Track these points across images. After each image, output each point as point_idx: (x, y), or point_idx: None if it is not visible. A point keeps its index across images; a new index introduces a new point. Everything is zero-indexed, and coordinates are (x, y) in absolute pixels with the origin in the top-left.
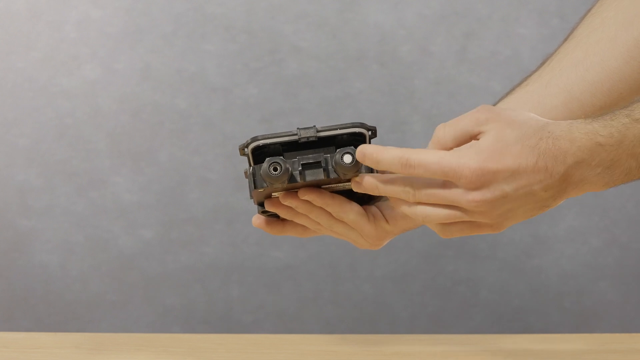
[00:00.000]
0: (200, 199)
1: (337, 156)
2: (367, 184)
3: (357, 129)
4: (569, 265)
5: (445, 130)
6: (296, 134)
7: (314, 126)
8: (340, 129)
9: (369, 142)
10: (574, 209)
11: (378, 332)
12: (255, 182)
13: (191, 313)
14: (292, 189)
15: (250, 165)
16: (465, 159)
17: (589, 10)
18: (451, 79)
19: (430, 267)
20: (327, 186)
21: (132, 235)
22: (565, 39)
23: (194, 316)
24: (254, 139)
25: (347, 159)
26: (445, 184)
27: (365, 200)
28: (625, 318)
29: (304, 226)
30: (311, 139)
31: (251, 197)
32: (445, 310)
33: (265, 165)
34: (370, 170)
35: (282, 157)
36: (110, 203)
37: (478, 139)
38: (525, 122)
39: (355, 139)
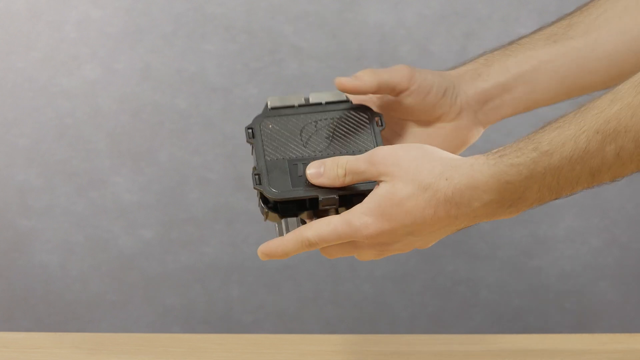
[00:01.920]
0: (200, 199)
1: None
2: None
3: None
4: (569, 265)
5: (346, 178)
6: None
7: (337, 196)
8: (362, 192)
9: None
10: (573, 209)
11: (378, 332)
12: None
13: (191, 313)
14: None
15: (260, 202)
16: (358, 224)
17: None
18: None
19: (430, 267)
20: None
21: (132, 235)
22: None
23: (194, 316)
24: (274, 194)
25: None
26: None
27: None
28: (625, 318)
29: None
30: (332, 207)
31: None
32: (445, 310)
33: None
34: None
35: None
36: (110, 203)
37: (377, 186)
38: (419, 172)
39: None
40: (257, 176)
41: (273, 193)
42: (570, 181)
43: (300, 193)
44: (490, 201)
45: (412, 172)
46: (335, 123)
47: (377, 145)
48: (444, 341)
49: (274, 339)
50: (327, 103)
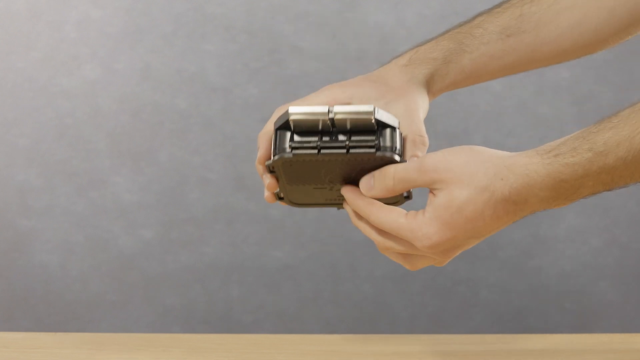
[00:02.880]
0: (200, 199)
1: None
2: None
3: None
4: (569, 265)
5: (397, 186)
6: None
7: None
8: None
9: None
10: (574, 209)
11: (378, 332)
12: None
13: (191, 313)
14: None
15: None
16: (419, 234)
17: None
18: None
19: (430, 267)
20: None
21: (132, 235)
22: None
23: (194, 316)
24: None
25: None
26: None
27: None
28: (625, 318)
29: None
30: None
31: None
32: (445, 310)
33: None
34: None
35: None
36: (110, 203)
37: (433, 194)
38: (474, 175)
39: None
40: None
41: (295, 204)
42: (625, 178)
43: (321, 203)
44: (546, 197)
45: (466, 176)
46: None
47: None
48: (444, 341)
49: (274, 339)
50: (351, 146)
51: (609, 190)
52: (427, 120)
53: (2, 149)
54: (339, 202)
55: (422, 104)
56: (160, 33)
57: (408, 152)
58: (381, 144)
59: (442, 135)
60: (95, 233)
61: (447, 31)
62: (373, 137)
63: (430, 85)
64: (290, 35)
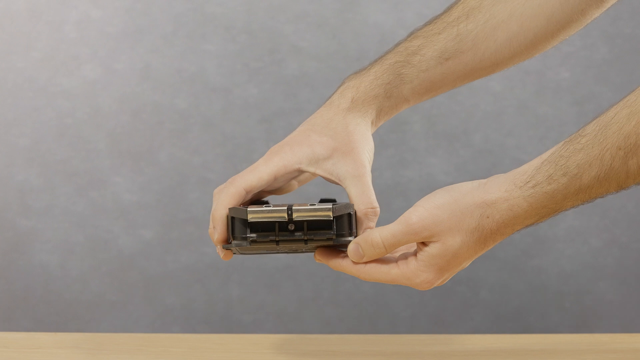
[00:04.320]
0: (200, 199)
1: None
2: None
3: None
4: (569, 265)
5: (389, 248)
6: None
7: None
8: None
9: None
10: (574, 209)
11: (378, 332)
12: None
13: (191, 313)
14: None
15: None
16: (418, 281)
17: None
18: None
19: None
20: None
21: (132, 235)
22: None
23: (194, 316)
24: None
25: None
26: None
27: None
28: (625, 318)
29: None
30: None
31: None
32: (445, 310)
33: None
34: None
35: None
36: (110, 203)
37: (427, 245)
38: (461, 221)
39: None
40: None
41: (244, 251)
42: (600, 193)
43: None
44: (529, 222)
45: (455, 223)
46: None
47: None
48: (444, 341)
49: (274, 339)
50: (309, 238)
51: (589, 202)
52: (428, 120)
53: (2, 149)
54: (300, 252)
55: (368, 154)
56: (160, 33)
57: (362, 226)
58: (337, 232)
59: (442, 135)
60: (95, 233)
61: (384, 56)
62: (330, 231)
63: (375, 122)
64: (290, 35)
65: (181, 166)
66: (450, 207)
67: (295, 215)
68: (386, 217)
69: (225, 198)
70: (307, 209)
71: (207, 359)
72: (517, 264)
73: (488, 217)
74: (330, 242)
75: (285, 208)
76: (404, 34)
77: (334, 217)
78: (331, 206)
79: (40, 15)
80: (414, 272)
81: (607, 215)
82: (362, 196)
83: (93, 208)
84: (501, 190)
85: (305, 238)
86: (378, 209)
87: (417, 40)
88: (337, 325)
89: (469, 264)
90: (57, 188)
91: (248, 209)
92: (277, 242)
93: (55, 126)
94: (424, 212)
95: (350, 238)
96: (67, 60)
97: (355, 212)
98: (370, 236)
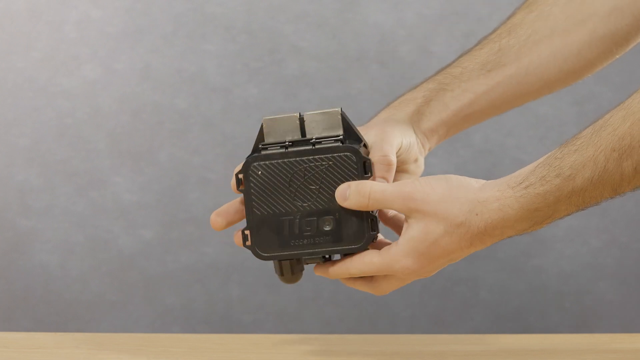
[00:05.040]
0: (200, 199)
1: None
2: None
3: (361, 250)
4: (569, 265)
5: (373, 205)
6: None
7: (320, 258)
8: (345, 251)
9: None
10: None
11: (378, 332)
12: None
13: (191, 313)
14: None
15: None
16: (398, 267)
17: None
18: None
19: None
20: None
21: (132, 235)
22: (535, 10)
23: (194, 316)
24: (261, 256)
25: None
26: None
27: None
28: (625, 318)
29: None
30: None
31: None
32: (445, 310)
33: (281, 278)
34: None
35: (290, 270)
36: (110, 203)
37: (408, 223)
38: (449, 210)
39: None
40: (245, 234)
41: (260, 255)
42: (595, 197)
43: (285, 255)
44: (521, 228)
45: (442, 211)
46: (323, 172)
47: None
48: (444, 341)
49: (274, 339)
50: (317, 140)
51: (583, 209)
52: None
53: (2, 149)
54: (307, 250)
55: (397, 133)
56: (160, 33)
57: (376, 174)
58: (346, 140)
59: None
60: (95, 233)
61: (431, 76)
62: (339, 132)
63: (416, 123)
64: (290, 35)
65: (181, 166)
66: (443, 192)
67: (305, 115)
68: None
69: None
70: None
71: (207, 359)
72: (517, 264)
73: (477, 215)
74: (338, 144)
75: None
76: (404, 34)
77: (342, 116)
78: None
79: (40, 15)
80: (393, 258)
81: (607, 215)
82: (379, 150)
83: (93, 208)
84: (494, 190)
85: (315, 140)
86: (391, 160)
87: (460, 58)
88: (337, 325)
89: (452, 261)
90: (57, 188)
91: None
92: (286, 148)
93: (55, 126)
94: (418, 185)
95: (360, 148)
96: (67, 60)
97: (368, 152)
98: (363, 184)
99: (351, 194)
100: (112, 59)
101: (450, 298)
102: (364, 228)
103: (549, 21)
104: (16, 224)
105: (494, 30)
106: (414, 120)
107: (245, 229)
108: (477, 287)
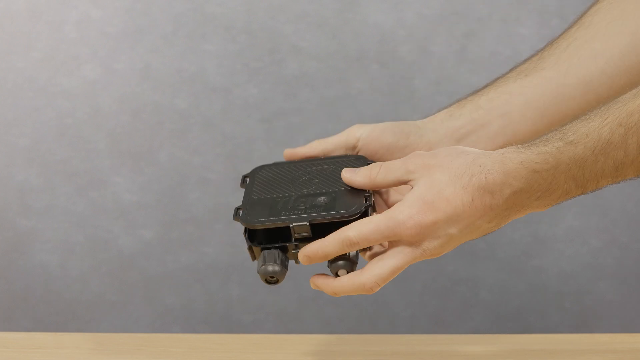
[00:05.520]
0: (200, 199)
1: (339, 267)
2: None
3: (353, 216)
4: (569, 265)
5: (380, 172)
6: (290, 226)
7: (307, 223)
8: (334, 217)
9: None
10: (573, 209)
11: (378, 332)
12: (252, 256)
13: (191, 313)
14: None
15: (246, 237)
16: (401, 218)
17: None
18: (451, 79)
19: (430, 267)
20: None
21: (132, 235)
22: (580, 23)
23: (194, 316)
24: (248, 224)
25: (342, 273)
26: (394, 253)
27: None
28: (625, 318)
29: None
30: (305, 235)
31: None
32: (445, 310)
33: (261, 270)
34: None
35: (277, 261)
36: (110, 203)
37: (411, 186)
38: (453, 161)
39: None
40: (238, 210)
41: (247, 220)
42: (595, 174)
43: (273, 222)
44: (520, 190)
45: (447, 162)
46: (330, 170)
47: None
48: (444, 341)
49: (274, 339)
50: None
51: (582, 193)
52: None
53: (2, 149)
54: (297, 217)
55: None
56: (160, 33)
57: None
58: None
59: None
60: (95, 233)
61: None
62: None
63: (444, 122)
64: (290, 35)
65: (181, 166)
66: (448, 150)
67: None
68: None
69: None
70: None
71: (207, 359)
72: (517, 264)
73: (480, 166)
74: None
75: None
76: (404, 34)
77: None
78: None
79: (40, 15)
80: (399, 209)
81: (607, 215)
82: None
83: (93, 208)
84: (500, 149)
85: (322, 160)
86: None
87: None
88: (337, 325)
89: (454, 236)
90: (57, 188)
91: None
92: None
93: (55, 126)
94: (423, 150)
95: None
96: (67, 60)
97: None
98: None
99: (361, 170)
100: (112, 59)
101: (450, 298)
102: (358, 200)
103: (590, 28)
104: (16, 224)
105: (541, 48)
106: (435, 120)
107: (239, 207)
108: (477, 287)
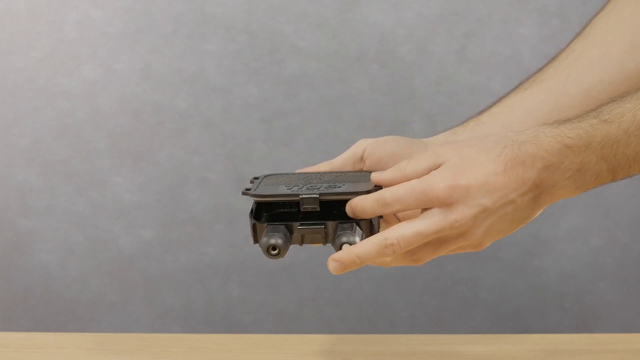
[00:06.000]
0: (200, 199)
1: (343, 239)
2: (347, 261)
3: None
4: (569, 265)
5: (409, 164)
6: (298, 200)
7: (317, 195)
8: (344, 194)
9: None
10: (574, 209)
11: (378, 332)
12: (255, 238)
13: (191, 313)
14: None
15: (251, 215)
16: (434, 180)
17: (603, 7)
18: (451, 79)
19: (430, 267)
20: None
21: (132, 235)
22: (579, 35)
23: (194, 316)
24: (256, 196)
25: (353, 241)
26: (423, 216)
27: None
28: (625, 318)
29: None
30: (315, 208)
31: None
32: (445, 310)
33: (264, 241)
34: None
35: (281, 234)
36: (110, 203)
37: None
38: (483, 140)
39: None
40: (247, 190)
41: (257, 195)
42: (627, 157)
43: (282, 195)
44: (552, 164)
45: (476, 141)
46: (337, 175)
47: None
48: (444, 341)
49: (274, 339)
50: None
51: (612, 179)
52: (428, 120)
53: (2, 149)
54: (306, 191)
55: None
56: (160, 33)
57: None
58: None
59: None
60: (95, 233)
61: None
62: None
63: (447, 137)
64: (290, 35)
65: (181, 166)
66: (476, 136)
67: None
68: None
69: None
70: None
71: (207, 359)
72: (517, 264)
73: (512, 140)
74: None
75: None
76: (404, 34)
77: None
78: None
79: (40, 15)
80: (432, 174)
81: (608, 215)
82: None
83: (93, 208)
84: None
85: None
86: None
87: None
88: (337, 325)
89: (489, 219)
90: (57, 188)
91: None
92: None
93: (55, 126)
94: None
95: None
96: (67, 60)
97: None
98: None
99: (389, 171)
100: (112, 59)
101: (450, 298)
102: (367, 184)
103: (588, 38)
104: (16, 224)
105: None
106: (439, 138)
107: (247, 188)
108: (477, 287)
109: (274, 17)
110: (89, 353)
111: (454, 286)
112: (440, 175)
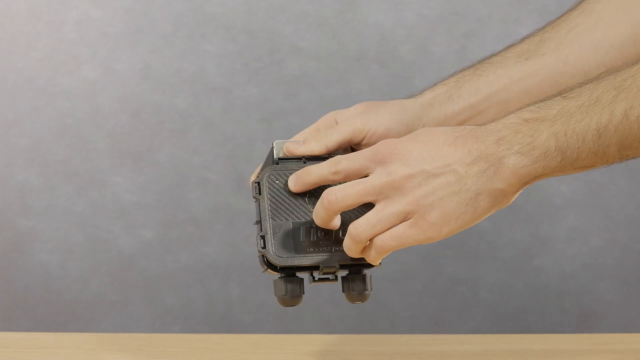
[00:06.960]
0: (200, 199)
1: (354, 291)
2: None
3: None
4: (569, 265)
5: (351, 155)
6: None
7: (337, 266)
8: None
9: None
10: (574, 209)
11: (378, 332)
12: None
13: (191, 313)
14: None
15: (263, 262)
16: (386, 140)
17: None
18: None
19: (430, 267)
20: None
21: (132, 235)
22: (580, 8)
23: (194, 316)
24: (278, 260)
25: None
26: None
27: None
28: (625, 318)
29: None
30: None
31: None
32: (445, 310)
33: (284, 298)
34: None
35: (297, 290)
36: (110, 203)
37: None
38: (440, 127)
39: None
40: (262, 239)
41: (277, 259)
42: (577, 134)
43: (303, 261)
44: (503, 137)
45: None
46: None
47: None
48: (444, 341)
49: (274, 339)
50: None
51: (561, 158)
52: None
53: (2, 149)
54: (325, 259)
55: (397, 108)
56: (160, 33)
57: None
58: None
59: None
60: (95, 233)
61: (470, 65)
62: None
63: (443, 105)
64: (290, 35)
65: (181, 166)
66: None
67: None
68: None
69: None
70: None
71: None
72: (517, 264)
73: (480, 125)
74: None
75: None
76: (404, 34)
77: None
78: None
79: (40, 15)
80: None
81: (608, 215)
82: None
83: (93, 208)
84: None
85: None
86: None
87: (501, 50)
88: (337, 325)
89: (431, 165)
90: (57, 188)
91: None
92: (304, 161)
93: (55, 126)
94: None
95: None
96: (67, 60)
97: None
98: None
99: (337, 160)
100: (112, 59)
101: (450, 298)
102: None
103: (592, 16)
104: (16, 224)
105: (540, 28)
106: (434, 105)
107: (261, 234)
108: (477, 287)
109: (274, 17)
110: (89, 353)
111: (454, 286)
112: (390, 141)
